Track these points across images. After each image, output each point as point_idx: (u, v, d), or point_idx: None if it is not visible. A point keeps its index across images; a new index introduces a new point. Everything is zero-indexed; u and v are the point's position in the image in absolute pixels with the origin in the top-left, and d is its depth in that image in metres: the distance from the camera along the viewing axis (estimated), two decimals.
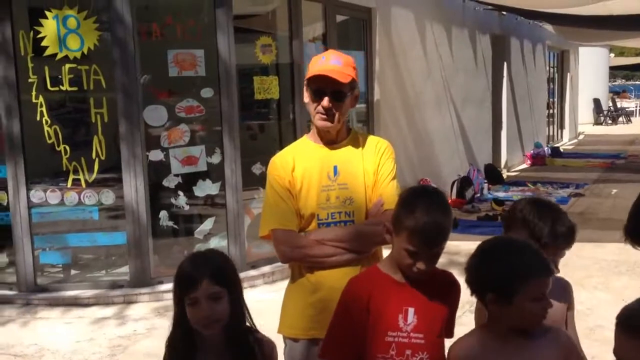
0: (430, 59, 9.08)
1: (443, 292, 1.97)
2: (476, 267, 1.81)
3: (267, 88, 6.05)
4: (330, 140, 2.39)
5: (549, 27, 14.43)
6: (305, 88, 2.39)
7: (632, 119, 25.86)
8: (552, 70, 17.19)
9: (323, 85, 2.29)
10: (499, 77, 12.25)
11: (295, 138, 6.34)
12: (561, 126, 18.52)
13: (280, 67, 6.35)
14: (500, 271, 1.73)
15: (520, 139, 13.62)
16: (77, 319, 5.04)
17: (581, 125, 21.07)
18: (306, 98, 2.39)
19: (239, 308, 1.88)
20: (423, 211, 1.84)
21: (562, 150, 15.63)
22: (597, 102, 24.24)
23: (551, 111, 17.16)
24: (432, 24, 9.09)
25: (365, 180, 2.35)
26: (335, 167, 2.35)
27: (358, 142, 2.42)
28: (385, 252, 2.42)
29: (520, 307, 1.70)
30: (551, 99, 17.09)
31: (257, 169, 6.02)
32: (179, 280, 1.86)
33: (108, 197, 5.38)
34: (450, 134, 9.99)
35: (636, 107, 28.52)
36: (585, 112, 22.60)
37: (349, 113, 2.44)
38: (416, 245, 1.84)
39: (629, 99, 31.19)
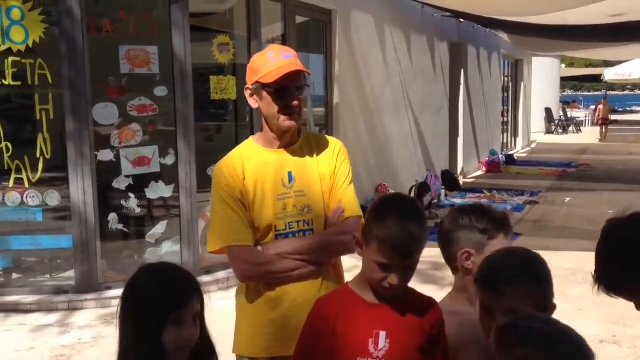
0: (389, 64, 9.06)
1: (421, 316, 1.79)
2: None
3: (225, 88, 5.89)
4: (286, 143, 2.21)
5: (504, 36, 14.68)
6: (252, 92, 2.19)
7: (582, 128, 26.62)
8: (506, 79, 17.52)
9: (289, 83, 2.12)
10: (456, 84, 12.37)
11: None
12: (515, 134, 18.88)
13: (238, 67, 6.19)
14: None
15: (476, 146, 13.79)
16: (17, 326, 4.76)
17: (533, 133, 21.56)
18: (255, 103, 2.19)
19: (206, 330, 1.69)
20: (395, 220, 1.68)
21: (516, 158, 15.90)
22: (548, 111, 24.87)
23: (505, 119, 17.47)
24: (392, 28, 9.08)
25: (322, 185, 2.19)
26: (289, 173, 2.18)
27: (310, 144, 2.25)
28: (345, 260, 2.30)
29: None
30: (505, 108, 17.40)
31: (212, 171, 5.79)
32: (162, 297, 1.57)
33: (53, 198, 5.11)
34: (409, 139, 10.00)
35: (586, 117, 29.38)
36: (537, 121, 23.14)
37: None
38: (387, 256, 1.68)
39: (579, 109, 32.16)
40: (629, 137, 22.22)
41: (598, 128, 23.39)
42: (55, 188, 5.15)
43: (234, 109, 6.47)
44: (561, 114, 26.31)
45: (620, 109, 39.72)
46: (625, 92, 66.76)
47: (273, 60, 2.15)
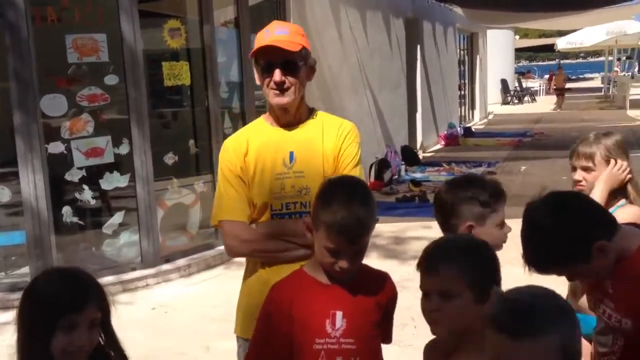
0: (345, 43, 9.04)
1: (375, 292, 1.82)
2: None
3: (178, 74, 5.79)
4: (288, 122, 2.17)
5: (458, 10, 14.78)
6: (254, 68, 2.17)
7: (536, 98, 27.11)
8: (462, 52, 17.68)
9: (272, 58, 2.08)
10: (413, 60, 12.42)
11: (209, 126, 6.21)
12: (472, 107, 19.14)
13: (191, 52, 6.10)
14: None
15: (434, 120, 13.93)
16: None
17: (490, 105, 21.88)
18: (257, 79, 2.17)
19: (112, 337, 1.66)
20: (341, 204, 1.68)
21: (473, 130, 16.14)
22: (504, 82, 25.23)
23: (462, 92, 17.67)
24: (346, 7, 9.03)
25: (324, 167, 2.13)
26: (291, 153, 2.13)
27: (319, 124, 2.19)
28: None
29: None
30: (462, 81, 17.60)
31: (169, 158, 5.78)
32: (52, 299, 1.55)
33: (3, 194, 5.00)
34: (367, 117, 10.03)
35: (540, 86, 29.92)
36: (493, 93, 23.47)
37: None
38: (335, 242, 1.69)
39: (533, 79, 32.69)
40: (581, 104, 22.76)
41: (552, 97, 23.85)
42: (5, 184, 5.04)
43: (189, 95, 6.37)
44: (516, 84, 26.73)
45: (574, 77, 40.55)
46: (578, 60, 68.14)
47: (266, 36, 2.12)
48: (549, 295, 1.36)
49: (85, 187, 5.20)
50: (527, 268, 1.74)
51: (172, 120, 6.92)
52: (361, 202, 1.72)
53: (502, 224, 1.97)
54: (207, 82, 6.10)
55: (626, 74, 27.90)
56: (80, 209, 5.30)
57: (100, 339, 1.62)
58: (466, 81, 18.30)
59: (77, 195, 5.21)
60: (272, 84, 2.08)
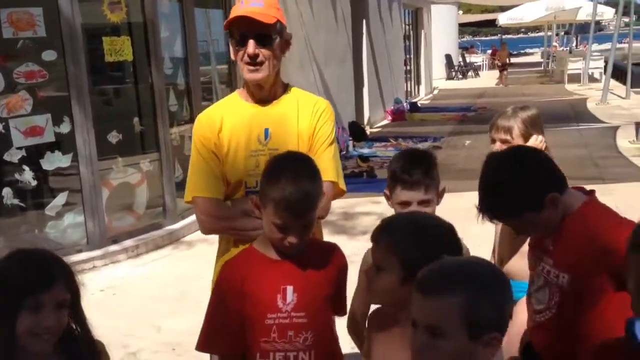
0: (291, 17, 8.94)
1: (325, 265, 1.84)
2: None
3: (119, 49, 5.64)
4: (263, 98, 2.15)
5: None
6: (230, 43, 2.14)
7: (480, 73, 27.62)
8: (407, 27, 17.80)
9: (246, 30, 2.05)
10: (359, 35, 12.43)
11: (154, 103, 6.08)
12: (418, 82, 19.35)
13: (133, 26, 5.93)
14: None
15: (381, 96, 14.03)
16: None
17: (435, 80, 22.17)
18: (232, 54, 2.13)
19: (80, 319, 1.63)
20: (288, 180, 1.70)
21: (419, 105, 16.36)
22: (448, 57, 25.57)
23: (408, 67, 17.84)
24: None
25: (299, 145, 2.12)
26: (266, 130, 2.13)
27: (294, 102, 2.18)
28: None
29: None
30: (407, 56, 17.74)
31: (113, 137, 5.64)
32: (16, 279, 1.51)
33: None
34: (314, 92, 9.69)
35: (483, 61, 30.47)
36: (438, 68, 23.78)
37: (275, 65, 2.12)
38: (283, 217, 1.71)
39: (477, 54, 33.23)
40: (522, 79, 23.35)
41: (495, 72, 24.30)
42: None
43: (132, 71, 6.21)
44: (460, 59, 27.13)
45: (515, 52, 41.48)
46: (519, 35, 69.68)
47: (241, 7, 2.09)
48: (475, 262, 1.41)
49: (26, 167, 5.04)
50: (480, 217, 1.81)
51: (115, 98, 6.73)
52: (308, 177, 1.74)
53: (403, 204, 2.02)
54: (150, 57, 5.96)
55: (564, 49, 28.73)
56: (21, 191, 5.13)
57: (70, 322, 1.59)
58: (411, 56, 18.46)
59: (17, 176, 5.04)
60: (245, 57, 2.07)
